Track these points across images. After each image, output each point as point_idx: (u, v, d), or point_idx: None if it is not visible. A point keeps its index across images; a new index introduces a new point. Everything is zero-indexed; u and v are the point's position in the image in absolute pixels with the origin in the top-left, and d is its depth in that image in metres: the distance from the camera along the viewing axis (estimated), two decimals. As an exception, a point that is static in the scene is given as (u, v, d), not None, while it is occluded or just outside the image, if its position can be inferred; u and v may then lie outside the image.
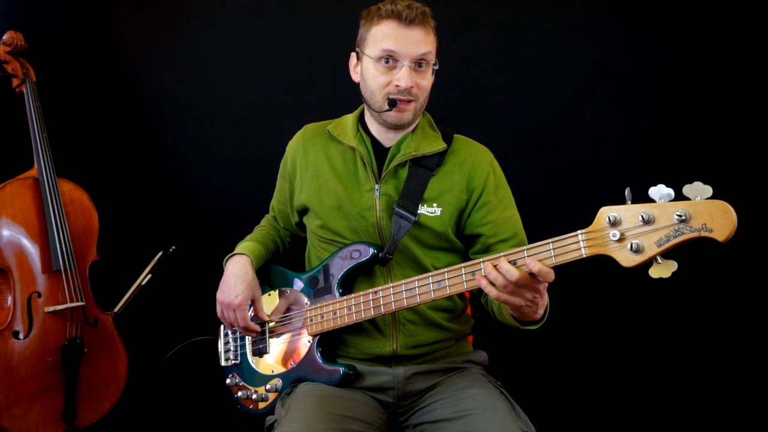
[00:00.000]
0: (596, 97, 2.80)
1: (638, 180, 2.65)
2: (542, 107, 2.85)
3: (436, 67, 1.92)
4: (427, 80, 1.87)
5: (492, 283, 1.57)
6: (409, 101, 1.85)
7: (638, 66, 2.76)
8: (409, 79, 1.81)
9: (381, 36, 1.84)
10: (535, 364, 2.82)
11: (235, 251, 2.03)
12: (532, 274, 1.53)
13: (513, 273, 1.53)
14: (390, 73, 1.84)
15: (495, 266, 1.56)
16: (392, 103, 1.84)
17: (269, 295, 2.05)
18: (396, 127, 1.91)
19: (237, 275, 1.96)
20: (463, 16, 2.83)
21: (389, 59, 1.83)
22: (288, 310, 2.00)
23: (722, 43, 2.68)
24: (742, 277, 2.72)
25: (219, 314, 2.01)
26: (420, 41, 1.82)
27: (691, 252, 1.37)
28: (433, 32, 1.87)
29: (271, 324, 2.00)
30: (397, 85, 1.82)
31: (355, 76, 1.96)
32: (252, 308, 2.00)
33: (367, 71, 1.89)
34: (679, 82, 2.73)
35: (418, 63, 1.84)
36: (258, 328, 1.99)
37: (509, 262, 1.55)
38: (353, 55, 1.96)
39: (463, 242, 1.96)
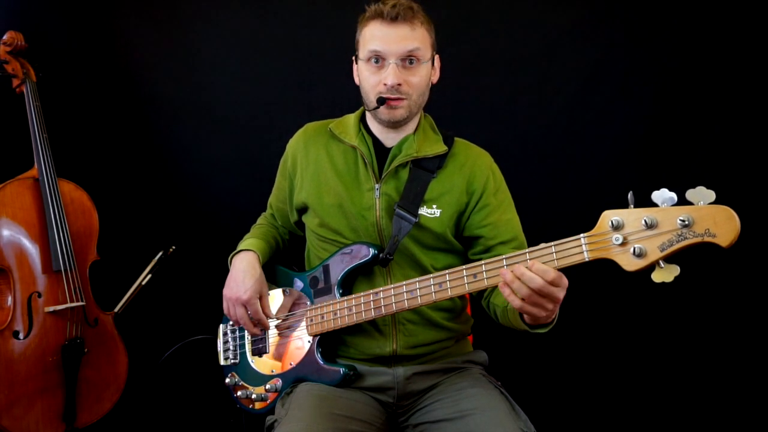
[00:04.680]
0: (596, 97, 2.80)
1: (638, 180, 2.69)
2: (542, 107, 2.85)
3: (435, 63, 1.92)
4: (418, 77, 1.87)
5: (514, 293, 1.53)
6: (400, 99, 1.85)
7: (638, 66, 2.77)
8: (396, 76, 1.82)
9: (368, 37, 1.86)
10: (535, 364, 2.82)
11: (240, 248, 2.02)
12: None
13: (536, 281, 1.49)
14: (379, 72, 1.85)
15: (517, 276, 1.51)
16: (380, 101, 1.85)
17: (270, 293, 2.05)
18: (391, 124, 1.92)
19: (245, 270, 1.94)
20: (463, 16, 2.83)
21: (377, 59, 1.85)
22: (288, 309, 2.00)
23: (722, 43, 2.68)
24: (744, 282, 2.72)
25: (225, 311, 1.99)
26: (405, 38, 1.82)
27: (693, 257, 1.37)
28: (423, 27, 1.87)
29: (274, 323, 2.00)
30: (385, 84, 1.83)
31: (356, 79, 1.98)
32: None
33: (361, 73, 1.92)
34: (679, 82, 2.73)
35: (408, 60, 1.84)
36: (268, 324, 1.98)
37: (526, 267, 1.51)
38: (354, 59, 1.98)
39: (463, 244, 1.96)
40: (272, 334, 2.00)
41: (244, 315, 1.95)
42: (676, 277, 1.35)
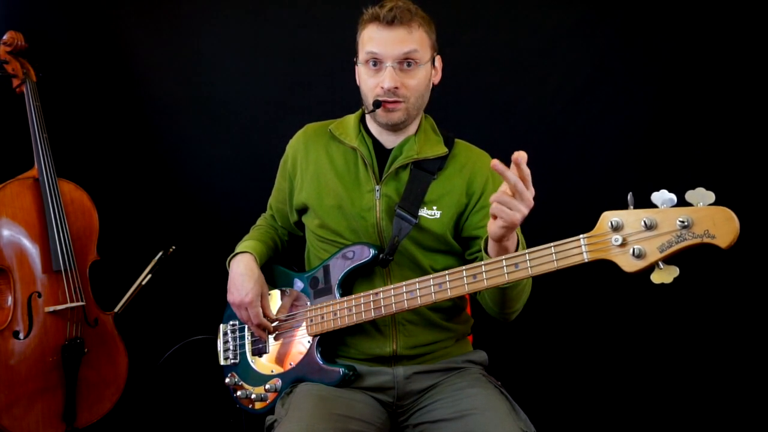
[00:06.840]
0: (596, 97, 2.80)
1: (638, 181, 2.69)
2: (542, 107, 2.85)
3: (435, 64, 1.92)
4: (416, 79, 1.86)
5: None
6: (397, 102, 1.85)
7: (637, 66, 2.76)
8: (392, 79, 1.82)
9: (366, 39, 1.86)
10: (535, 364, 2.82)
11: (237, 251, 2.03)
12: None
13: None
14: (377, 75, 1.85)
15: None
16: (376, 104, 1.85)
17: (270, 294, 2.05)
18: (389, 127, 1.92)
19: (243, 273, 1.95)
20: (463, 16, 2.83)
21: (375, 62, 1.85)
22: (288, 310, 2.00)
23: (722, 43, 2.68)
24: (743, 284, 2.72)
25: (238, 316, 2.00)
26: (402, 40, 1.82)
27: (692, 258, 1.37)
28: (422, 29, 1.86)
29: (275, 323, 2.00)
30: (382, 87, 1.83)
31: (357, 80, 1.98)
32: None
33: (359, 75, 1.93)
34: (678, 82, 2.73)
35: (405, 62, 1.84)
36: (272, 328, 1.99)
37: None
38: (355, 60, 1.98)
39: (460, 244, 1.96)
40: (272, 334, 2.00)
41: (248, 317, 1.96)
42: (675, 278, 1.36)
